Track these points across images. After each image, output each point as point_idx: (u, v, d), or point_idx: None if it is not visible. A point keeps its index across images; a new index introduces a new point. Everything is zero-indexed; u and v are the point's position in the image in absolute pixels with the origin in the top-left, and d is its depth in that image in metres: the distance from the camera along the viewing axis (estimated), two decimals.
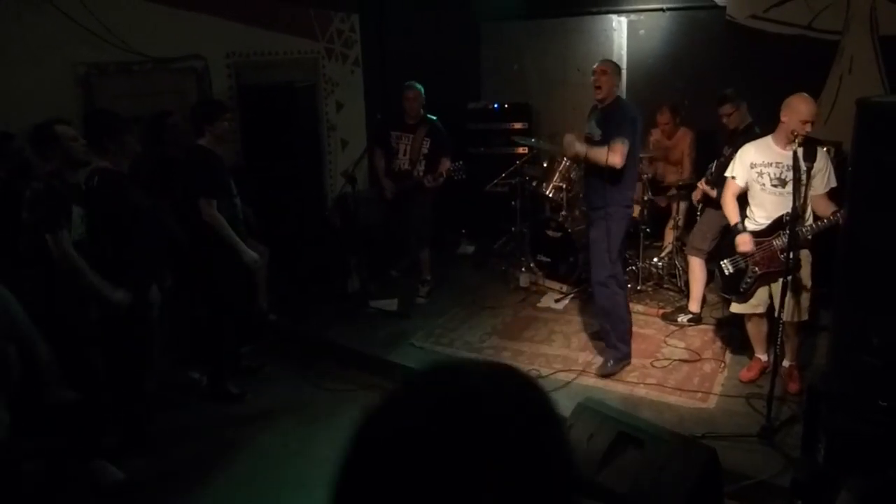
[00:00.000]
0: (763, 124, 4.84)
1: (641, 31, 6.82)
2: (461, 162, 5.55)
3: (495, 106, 7.30)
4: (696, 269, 5.12)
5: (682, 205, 5.87)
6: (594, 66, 4.42)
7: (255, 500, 3.63)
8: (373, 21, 6.63)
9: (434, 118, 5.71)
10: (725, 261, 4.16)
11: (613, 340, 4.55)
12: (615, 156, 4.11)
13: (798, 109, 3.78)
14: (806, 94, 3.86)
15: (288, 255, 5.21)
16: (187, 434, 4.17)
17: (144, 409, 4.05)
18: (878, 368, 3.03)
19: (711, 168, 5.08)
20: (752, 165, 4.03)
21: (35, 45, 4.28)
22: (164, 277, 4.12)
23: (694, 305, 5.22)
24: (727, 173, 4.21)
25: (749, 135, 4.75)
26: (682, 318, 5.20)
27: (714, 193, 4.92)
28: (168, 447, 4.00)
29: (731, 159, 4.75)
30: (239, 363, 4.77)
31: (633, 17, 6.83)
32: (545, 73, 7.31)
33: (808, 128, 3.74)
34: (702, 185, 5.14)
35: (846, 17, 5.48)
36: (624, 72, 6.97)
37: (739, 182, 4.10)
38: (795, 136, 3.68)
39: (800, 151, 3.73)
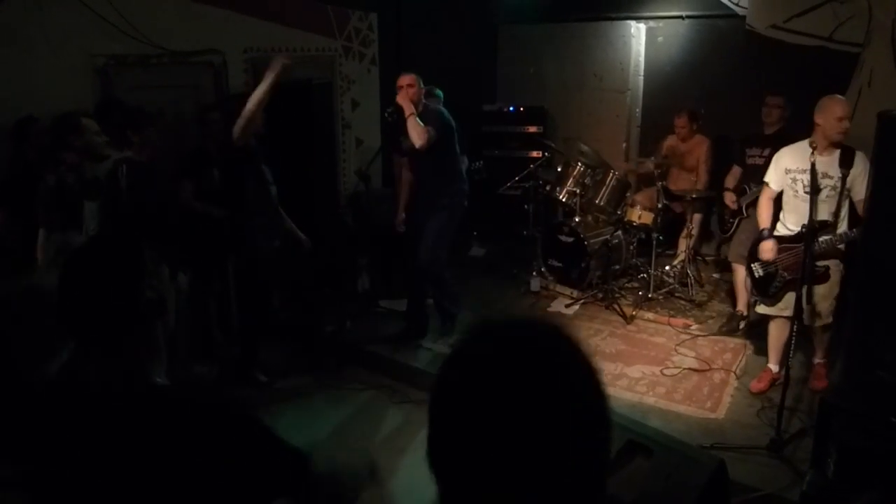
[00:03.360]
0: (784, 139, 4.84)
1: (660, 38, 6.80)
2: (481, 162, 5.53)
3: (510, 109, 7.29)
4: (742, 275, 5.04)
5: (697, 214, 5.84)
6: None
7: None
8: (391, 20, 6.63)
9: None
10: (756, 264, 4.15)
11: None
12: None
13: (832, 109, 3.77)
14: (838, 95, 3.86)
15: (299, 253, 5.21)
16: None
17: None
18: (892, 384, 3.00)
19: (742, 203, 5.14)
20: (787, 171, 4.00)
21: (54, 35, 4.30)
22: (186, 266, 4.19)
23: (743, 307, 5.18)
24: (766, 178, 4.19)
25: (784, 139, 4.67)
26: (741, 325, 5.14)
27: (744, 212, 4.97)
28: None
29: (759, 159, 4.76)
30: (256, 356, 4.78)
31: (651, 23, 6.81)
32: (562, 78, 7.30)
33: (844, 125, 3.73)
34: (732, 204, 5.21)
35: (868, 29, 5.44)
36: (641, 78, 6.98)
37: (774, 187, 4.07)
38: (814, 147, 3.66)
39: (824, 159, 3.73)
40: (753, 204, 4.96)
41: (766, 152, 4.87)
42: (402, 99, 4.53)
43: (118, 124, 3.71)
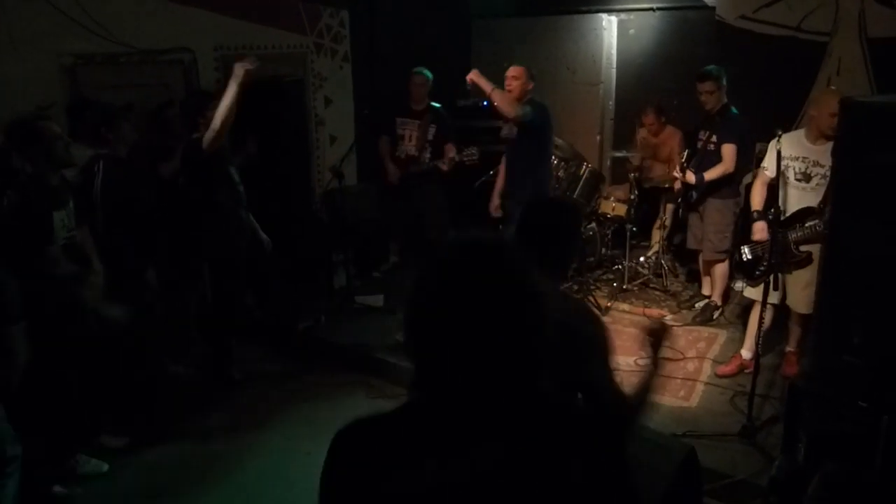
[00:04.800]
0: (752, 126, 4.88)
1: (631, 31, 6.83)
2: (474, 148, 5.54)
3: (484, 104, 7.25)
4: (720, 269, 5.11)
5: (670, 205, 5.88)
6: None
7: (232, 491, 3.61)
8: (362, 17, 6.60)
9: (438, 105, 5.73)
10: (745, 247, 4.21)
11: None
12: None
13: (827, 103, 3.82)
14: (836, 89, 3.92)
15: (274, 250, 5.18)
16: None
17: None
18: (859, 368, 3.04)
19: (683, 156, 5.11)
20: (781, 157, 4.05)
21: (20, 35, 4.23)
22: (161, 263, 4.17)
23: (718, 298, 5.23)
24: (764, 164, 4.23)
25: (726, 116, 4.81)
26: (716, 314, 5.21)
27: (690, 178, 4.92)
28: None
29: (708, 143, 4.77)
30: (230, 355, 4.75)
31: (623, 16, 6.84)
32: (535, 71, 7.28)
33: (836, 120, 3.77)
34: (675, 174, 5.13)
35: (835, 18, 5.50)
36: (613, 71, 7.01)
37: (769, 173, 4.12)
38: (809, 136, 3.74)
39: (819, 148, 3.85)
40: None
41: (706, 135, 5.02)
42: (475, 76, 4.58)
43: (91, 123, 3.66)
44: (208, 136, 4.02)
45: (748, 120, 4.89)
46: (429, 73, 5.64)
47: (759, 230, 4.11)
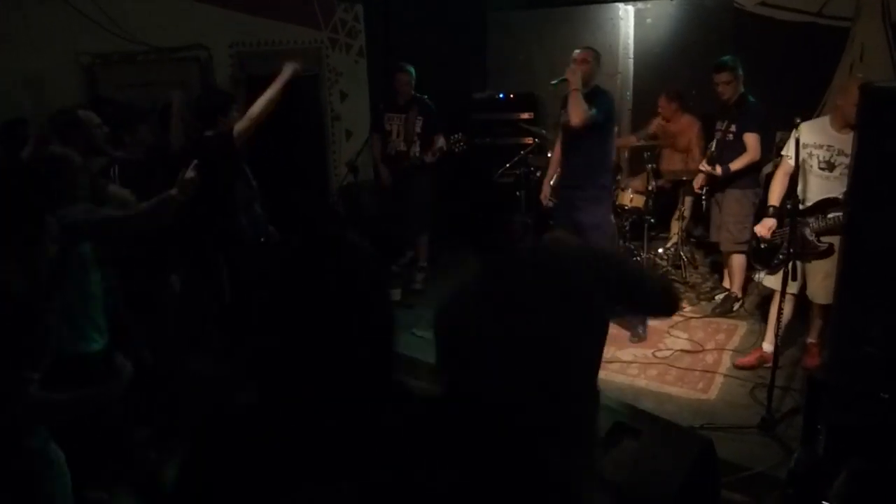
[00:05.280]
0: (772, 115, 4.80)
1: (648, 20, 6.75)
2: (460, 134, 5.50)
3: (500, 96, 7.25)
4: (738, 261, 5.01)
5: (688, 197, 5.82)
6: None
7: None
8: (377, 10, 6.60)
9: (424, 97, 5.67)
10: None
11: None
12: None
13: (854, 93, 3.74)
14: (863, 77, 3.87)
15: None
16: None
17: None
18: (879, 360, 2.99)
19: (711, 147, 5.01)
20: (804, 146, 3.97)
21: (38, 34, 4.30)
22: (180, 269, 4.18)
23: (738, 290, 5.15)
24: (784, 151, 4.16)
25: (745, 106, 4.72)
26: (736, 306, 5.14)
27: (719, 171, 4.84)
28: None
29: (727, 134, 4.69)
30: None
31: (640, 5, 6.76)
32: (551, 63, 7.22)
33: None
34: (703, 167, 5.04)
35: (857, 3, 5.39)
36: (630, 61, 6.94)
37: (792, 162, 4.05)
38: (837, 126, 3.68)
39: (844, 137, 3.77)
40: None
41: (724, 125, 4.92)
42: (571, 73, 4.47)
43: (109, 124, 3.68)
44: (242, 124, 3.99)
45: (767, 107, 4.81)
46: (412, 70, 5.59)
47: (763, 227, 4.05)
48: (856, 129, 3.14)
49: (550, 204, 5.06)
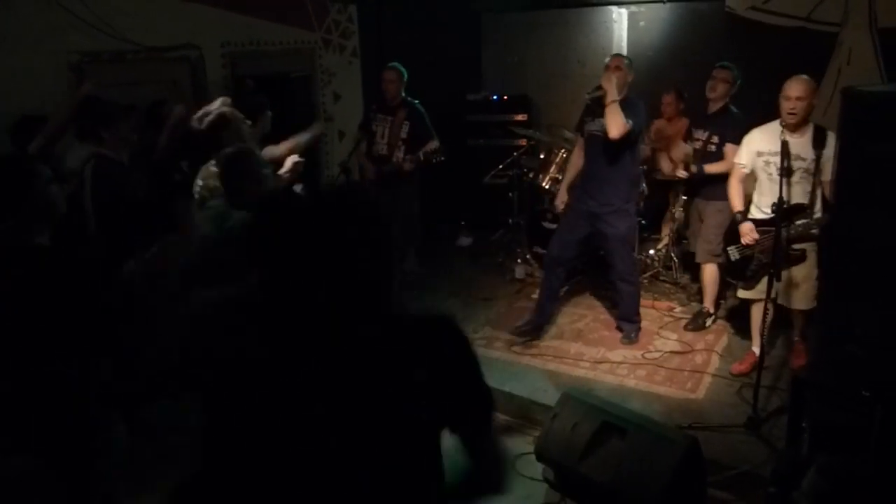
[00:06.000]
0: (762, 116, 4.82)
1: (642, 23, 6.79)
2: (438, 144, 5.41)
3: (494, 97, 7.28)
4: (710, 273, 4.91)
5: (681, 197, 5.84)
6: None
7: None
8: (371, 11, 6.62)
9: (415, 101, 5.52)
10: (732, 247, 4.14)
11: (633, 315, 4.84)
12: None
13: (784, 87, 3.79)
14: (803, 75, 3.84)
15: None
16: None
17: None
18: (862, 358, 3.02)
19: (689, 151, 5.00)
20: (759, 154, 4.01)
21: (27, 33, 4.29)
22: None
23: (710, 305, 5.05)
24: (735, 159, 4.18)
25: (726, 115, 4.71)
26: (708, 322, 5.02)
27: (693, 170, 4.80)
28: None
29: (709, 144, 4.66)
30: None
31: (633, 8, 6.79)
32: (545, 65, 7.29)
33: (790, 104, 3.72)
34: (680, 174, 5.04)
35: (845, 8, 5.44)
36: None
37: (746, 170, 4.08)
38: (791, 121, 3.67)
39: (796, 140, 3.74)
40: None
41: (705, 135, 4.86)
42: (607, 81, 4.33)
43: (89, 121, 3.66)
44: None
45: (756, 111, 4.80)
46: (402, 68, 5.44)
47: (747, 233, 4.00)
48: (837, 133, 3.16)
49: (561, 209, 5.02)
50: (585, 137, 4.71)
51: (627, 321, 4.85)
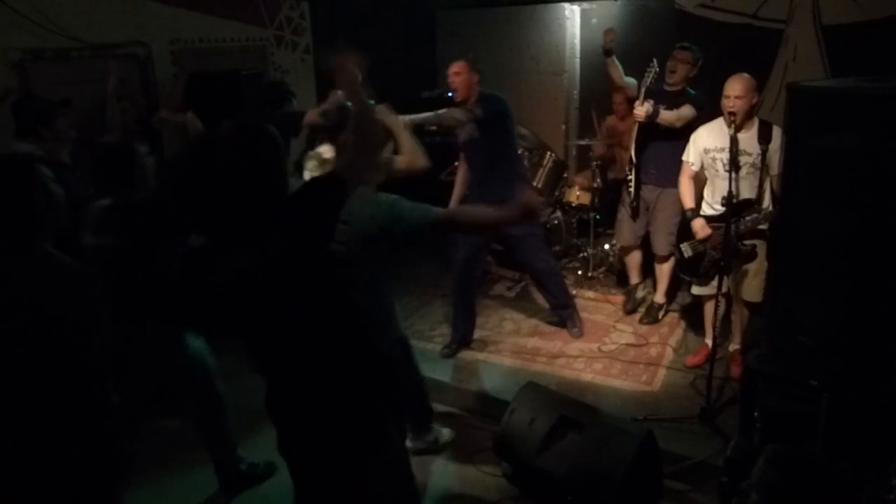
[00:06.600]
0: (709, 113, 4.87)
1: (594, 20, 6.84)
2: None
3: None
4: (669, 269, 4.91)
5: None
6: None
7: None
8: (324, 8, 6.55)
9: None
10: (685, 244, 4.17)
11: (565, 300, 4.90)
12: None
13: (725, 85, 3.83)
14: (743, 74, 3.89)
15: None
16: None
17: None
18: (810, 348, 3.10)
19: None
20: (706, 151, 4.06)
21: None
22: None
23: (661, 297, 5.10)
24: (683, 157, 4.20)
25: (683, 96, 4.63)
26: (661, 315, 5.06)
27: (649, 108, 4.47)
28: None
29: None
30: None
31: (585, 5, 6.85)
32: (499, 62, 7.29)
33: (729, 102, 3.77)
34: (638, 108, 4.61)
35: (790, 6, 5.56)
36: (577, 60, 7.03)
37: (695, 167, 4.14)
38: (732, 120, 3.72)
39: (742, 136, 3.80)
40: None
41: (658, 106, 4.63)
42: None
43: (26, 119, 3.54)
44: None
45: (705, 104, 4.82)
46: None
47: (700, 228, 4.03)
48: (784, 128, 3.23)
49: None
50: (462, 148, 4.86)
51: (562, 308, 4.87)
